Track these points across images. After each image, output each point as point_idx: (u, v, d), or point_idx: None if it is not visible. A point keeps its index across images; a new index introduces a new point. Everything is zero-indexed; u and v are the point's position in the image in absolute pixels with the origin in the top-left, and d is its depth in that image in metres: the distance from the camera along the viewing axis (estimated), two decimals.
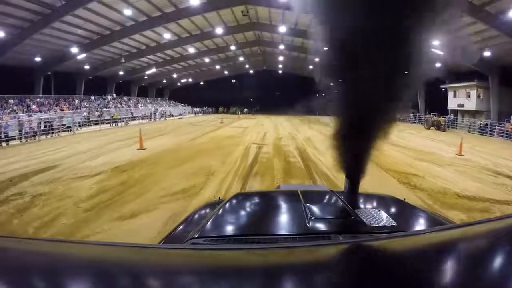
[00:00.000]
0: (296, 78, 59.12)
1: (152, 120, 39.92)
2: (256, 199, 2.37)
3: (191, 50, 39.39)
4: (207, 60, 46.36)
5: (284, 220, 1.86)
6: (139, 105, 46.70)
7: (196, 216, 2.35)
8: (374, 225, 1.59)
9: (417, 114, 42.72)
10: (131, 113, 38.16)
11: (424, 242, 0.91)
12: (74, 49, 30.11)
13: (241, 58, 49.21)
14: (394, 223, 1.61)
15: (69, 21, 25.39)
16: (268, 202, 2.30)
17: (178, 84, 62.55)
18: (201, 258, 0.82)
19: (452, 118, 35.84)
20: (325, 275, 0.68)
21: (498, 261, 0.70)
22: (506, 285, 0.61)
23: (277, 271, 0.71)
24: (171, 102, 61.25)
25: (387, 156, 13.21)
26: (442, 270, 0.66)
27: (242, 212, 2.05)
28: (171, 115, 47.51)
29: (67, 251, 0.81)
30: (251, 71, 63.11)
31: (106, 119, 32.17)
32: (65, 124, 25.71)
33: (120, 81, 46.79)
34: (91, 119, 30.44)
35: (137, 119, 37.97)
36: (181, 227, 2.16)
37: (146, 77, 49.72)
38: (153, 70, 44.88)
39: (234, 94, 67.83)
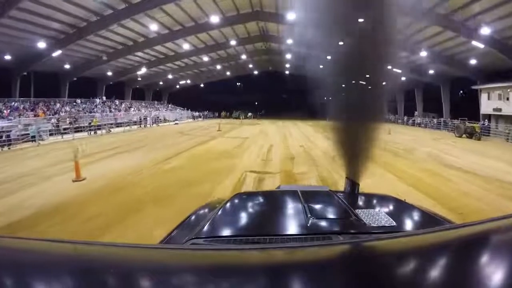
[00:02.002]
0: (305, 80, 53.76)
1: (142, 126, 35.10)
2: (256, 199, 2.36)
3: (186, 46, 34.52)
4: (205, 58, 41.51)
5: (284, 220, 1.89)
6: (132, 109, 42.43)
7: (196, 216, 2.27)
8: (374, 225, 1.61)
9: (441, 119, 37.74)
10: (115, 119, 33.19)
11: (424, 242, 0.89)
12: (48, 45, 25.74)
13: (243, 56, 43.93)
14: (394, 223, 1.64)
15: (36, 10, 21.17)
16: (268, 202, 2.31)
17: (177, 86, 58.03)
18: (201, 258, 0.81)
19: (486, 124, 30.68)
20: (325, 275, 0.68)
21: (498, 261, 0.71)
22: (506, 284, 0.62)
23: (277, 271, 0.71)
24: (169, 106, 57.03)
25: (456, 190, 8.96)
26: (442, 270, 0.68)
27: (242, 212, 2.07)
28: (165, 120, 42.61)
29: (66, 251, 0.81)
30: (256, 72, 57.85)
31: (81, 127, 27.26)
32: (29, 134, 21.25)
33: (111, 83, 42.36)
34: (65, 127, 25.63)
35: (124, 126, 33.18)
36: (181, 227, 2.09)
37: (139, 79, 45.32)
38: (145, 70, 40.31)
39: (238, 97, 64.23)
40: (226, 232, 1.70)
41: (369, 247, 0.88)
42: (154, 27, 28.05)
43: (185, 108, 57.11)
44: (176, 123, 41.69)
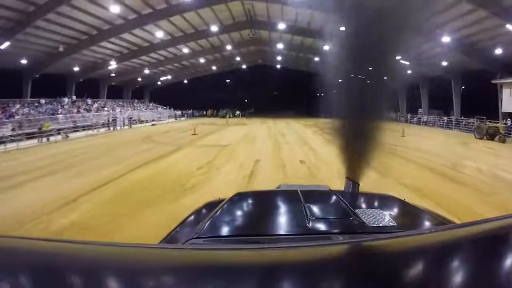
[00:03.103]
0: (298, 74, 50.08)
1: (110, 129, 30.02)
2: (256, 199, 2.37)
3: (160, 34, 29.52)
4: (185, 50, 36.38)
5: (284, 220, 1.87)
6: (106, 108, 37.24)
7: (196, 216, 2.27)
8: (374, 225, 1.60)
9: (452, 117, 33.88)
10: (74, 121, 28.08)
11: (424, 242, 0.89)
12: None
13: (228, 47, 38.68)
14: (394, 223, 1.62)
15: None
16: (268, 201, 2.28)
17: (159, 83, 52.97)
18: (200, 258, 0.81)
19: (510, 123, 26.40)
20: (325, 275, 0.69)
21: (498, 261, 0.71)
22: (506, 285, 0.63)
23: (277, 271, 0.71)
24: (151, 104, 51.86)
25: None
26: (442, 270, 0.67)
27: (242, 212, 2.07)
28: (140, 121, 37.48)
29: (66, 251, 0.80)
30: (244, 66, 52.86)
31: (33, 133, 22.07)
32: None
33: (81, 80, 37.09)
34: (9, 134, 20.61)
35: (91, 129, 28.17)
36: (180, 227, 2.11)
37: (113, 74, 40.03)
38: (118, 64, 35.20)
39: (226, 94, 59.22)
40: (226, 232, 1.68)
41: (369, 247, 0.87)
42: (116, 9, 23.09)
43: (168, 107, 52.33)
44: (153, 124, 36.62)
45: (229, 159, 13.30)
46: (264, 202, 2.26)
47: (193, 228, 1.78)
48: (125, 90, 48.61)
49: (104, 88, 42.41)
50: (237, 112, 54.97)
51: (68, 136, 24.32)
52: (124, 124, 32.37)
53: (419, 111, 42.32)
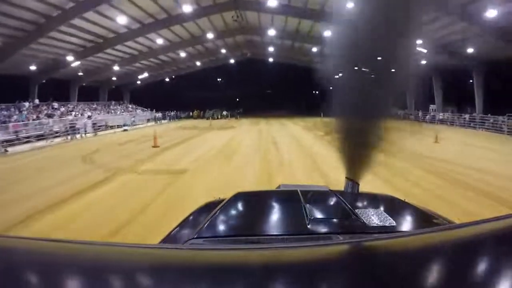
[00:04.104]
0: (292, 69, 45.83)
1: (68, 138, 24.48)
2: (256, 199, 2.38)
3: (123, 20, 24.13)
4: (159, 41, 31.01)
5: (284, 220, 1.87)
6: (73, 113, 31.92)
7: (196, 216, 2.27)
8: (374, 225, 1.59)
9: (476, 114, 29.34)
10: (15, 132, 22.57)
11: (425, 242, 0.89)
12: None
13: (210, 35, 32.74)
14: (394, 223, 1.62)
15: None
16: (268, 202, 2.27)
17: (138, 82, 47.68)
18: (200, 259, 0.81)
19: None
20: (325, 275, 0.69)
21: (498, 261, 0.72)
22: (506, 285, 0.63)
23: (276, 271, 0.71)
24: (131, 106, 46.57)
25: None
26: (442, 270, 0.69)
27: (242, 212, 2.09)
28: (108, 126, 31.86)
29: (65, 251, 0.81)
30: (232, 61, 47.72)
31: None
32: None
33: (44, 81, 31.88)
34: None
35: (42, 139, 22.79)
36: (180, 227, 2.11)
37: (80, 73, 34.75)
38: (82, 60, 30.10)
39: (214, 93, 54.41)
40: (226, 232, 1.69)
41: (369, 247, 0.87)
42: None
43: (149, 109, 47.14)
44: (125, 130, 31.20)
45: (173, 207, 7.10)
46: (264, 202, 2.22)
47: (193, 228, 1.78)
48: (101, 91, 43.42)
49: (75, 89, 37.27)
50: (224, 113, 50.14)
51: (7, 151, 18.90)
52: (86, 131, 26.82)
53: (430, 107, 37.46)
